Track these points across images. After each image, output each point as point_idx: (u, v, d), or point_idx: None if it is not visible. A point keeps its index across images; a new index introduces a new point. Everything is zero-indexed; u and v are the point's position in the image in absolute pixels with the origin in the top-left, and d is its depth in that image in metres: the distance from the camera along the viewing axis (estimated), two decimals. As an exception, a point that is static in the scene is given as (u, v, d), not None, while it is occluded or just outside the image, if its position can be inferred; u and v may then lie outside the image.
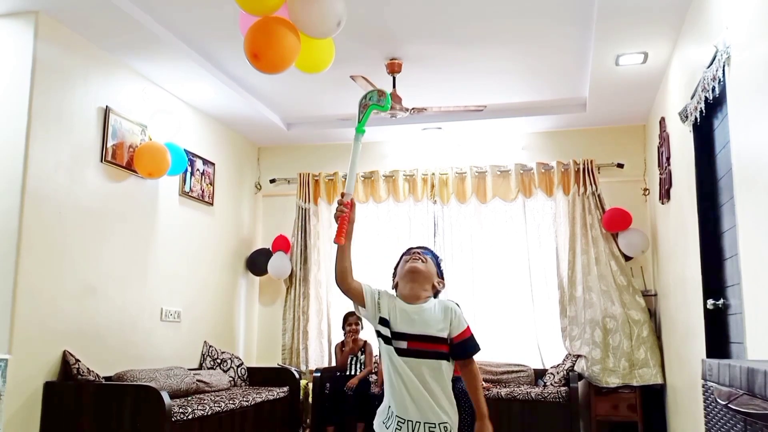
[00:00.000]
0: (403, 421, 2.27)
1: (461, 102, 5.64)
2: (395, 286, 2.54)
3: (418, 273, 2.45)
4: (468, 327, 2.41)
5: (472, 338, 2.41)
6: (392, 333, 2.34)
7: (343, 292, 2.41)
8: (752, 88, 2.62)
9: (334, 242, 2.37)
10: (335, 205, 7.15)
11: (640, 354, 5.42)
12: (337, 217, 2.38)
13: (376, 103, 2.51)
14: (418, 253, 2.51)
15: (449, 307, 2.42)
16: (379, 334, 2.38)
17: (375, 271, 6.33)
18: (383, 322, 2.37)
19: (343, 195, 2.39)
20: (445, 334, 2.34)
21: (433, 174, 6.36)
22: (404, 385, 2.28)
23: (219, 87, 5.21)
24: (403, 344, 2.31)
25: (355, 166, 2.44)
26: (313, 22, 3.10)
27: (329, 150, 6.70)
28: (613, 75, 4.84)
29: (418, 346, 2.31)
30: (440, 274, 2.54)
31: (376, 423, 2.37)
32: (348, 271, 2.39)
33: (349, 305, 6.15)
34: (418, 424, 2.26)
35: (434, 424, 2.26)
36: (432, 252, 2.58)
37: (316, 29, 3.13)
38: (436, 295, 2.51)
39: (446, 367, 2.34)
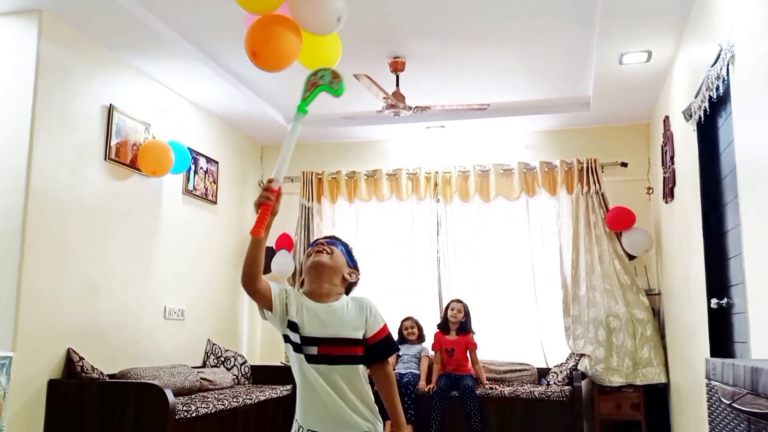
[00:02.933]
0: None
1: (464, 100, 5.63)
2: (302, 284, 2.30)
3: (323, 267, 2.20)
4: (385, 325, 2.19)
5: (389, 338, 2.19)
6: (302, 338, 2.09)
7: (249, 294, 2.11)
8: (756, 87, 2.61)
9: (251, 234, 2.06)
10: (339, 204, 7.21)
11: (643, 353, 5.42)
12: (258, 205, 2.07)
13: (328, 85, 2.20)
14: (323, 244, 2.25)
15: (364, 304, 2.19)
16: (287, 339, 2.13)
17: (377, 271, 6.36)
18: (292, 326, 2.11)
19: (270, 181, 2.09)
20: (360, 335, 2.12)
21: (437, 172, 6.35)
22: (317, 396, 2.06)
23: (222, 85, 5.21)
24: (314, 350, 2.08)
25: (290, 150, 2.14)
26: (313, 18, 3.10)
27: (333, 148, 6.70)
28: (617, 74, 4.83)
29: (331, 351, 2.08)
30: (352, 264, 2.28)
31: None
32: (259, 271, 2.10)
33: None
34: None
35: None
36: (341, 241, 2.33)
37: (317, 25, 3.13)
38: (349, 289, 2.28)
39: (363, 371, 2.13)
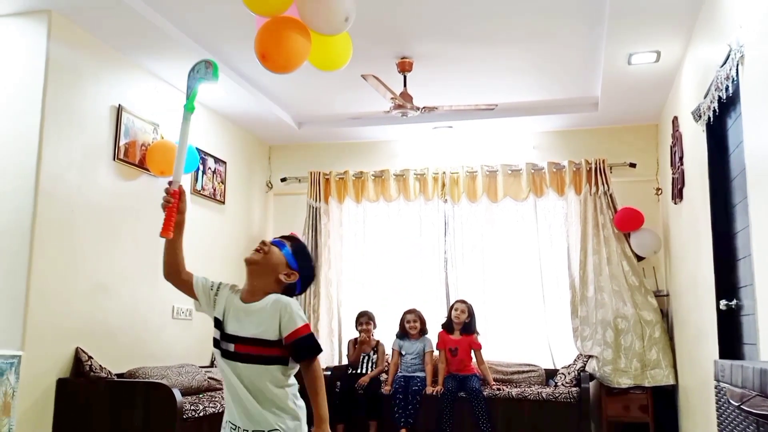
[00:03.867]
0: (234, 427, 2.12)
1: (472, 101, 5.62)
2: None
3: (254, 264, 2.21)
4: (304, 326, 2.14)
5: (307, 338, 2.13)
6: (222, 335, 2.15)
7: (175, 286, 2.24)
8: (766, 87, 2.60)
9: (160, 236, 2.15)
10: (347, 204, 7.22)
11: (651, 355, 5.40)
12: (164, 208, 2.16)
13: (203, 76, 2.28)
14: (264, 243, 2.25)
15: (281, 304, 2.14)
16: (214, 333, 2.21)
17: (384, 272, 6.37)
18: (216, 322, 2.18)
19: (170, 183, 2.17)
20: (275, 336, 2.11)
21: (444, 173, 6.35)
22: (234, 391, 2.11)
23: (230, 86, 5.23)
24: (231, 347, 2.12)
25: (184, 150, 2.23)
26: (320, 19, 3.10)
27: (340, 149, 6.71)
28: (626, 74, 4.81)
29: (246, 350, 2.11)
30: (294, 267, 2.24)
31: None
32: (178, 265, 2.22)
33: (361, 304, 6.21)
34: None
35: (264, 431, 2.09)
36: (293, 242, 2.31)
37: (325, 26, 3.14)
38: (287, 290, 2.24)
39: (279, 372, 2.14)
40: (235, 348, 2.12)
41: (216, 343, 2.17)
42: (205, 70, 2.26)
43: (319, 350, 2.20)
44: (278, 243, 2.28)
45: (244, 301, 2.19)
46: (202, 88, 2.30)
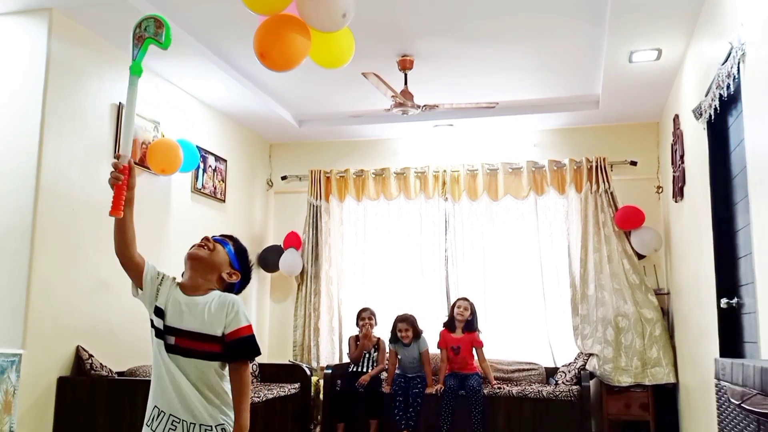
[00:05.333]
0: (178, 421, 2.07)
1: (473, 99, 5.62)
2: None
3: (199, 260, 2.23)
4: (247, 326, 2.13)
5: (248, 339, 2.12)
6: (164, 326, 2.13)
7: (122, 265, 2.20)
8: (767, 85, 2.59)
9: (110, 215, 2.09)
10: (347, 202, 7.22)
11: (652, 353, 5.39)
12: (112, 185, 2.08)
13: (153, 36, 2.11)
14: (208, 239, 2.28)
15: (228, 302, 2.14)
16: (152, 323, 2.17)
17: (385, 270, 6.37)
18: (158, 312, 2.16)
19: (118, 158, 2.07)
20: (218, 332, 2.10)
21: (445, 171, 6.35)
22: (170, 383, 2.08)
23: (231, 84, 5.22)
24: (172, 340, 2.10)
25: (132, 119, 2.10)
26: (319, 15, 3.09)
27: (341, 147, 6.71)
28: (627, 72, 4.81)
29: (187, 344, 2.09)
30: (236, 267, 2.27)
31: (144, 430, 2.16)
32: (129, 243, 2.17)
33: (361, 303, 6.20)
34: (192, 426, 2.07)
35: (210, 426, 2.08)
36: (234, 242, 2.34)
37: (323, 23, 3.13)
38: (227, 288, 2.25)
39: (219, 368, 2.12)
40: (176, 341, 2.10)
41: (158, 334, 2.14)
42: (155, 29, 2.10)
43: (257, 354, 2.19)
44: (221, 241, 2.29)
45: (186, 294, 2.17)
46: (152, 50, 2.08)
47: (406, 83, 4.95)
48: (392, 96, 4.84)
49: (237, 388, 2.11)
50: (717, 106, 3.37)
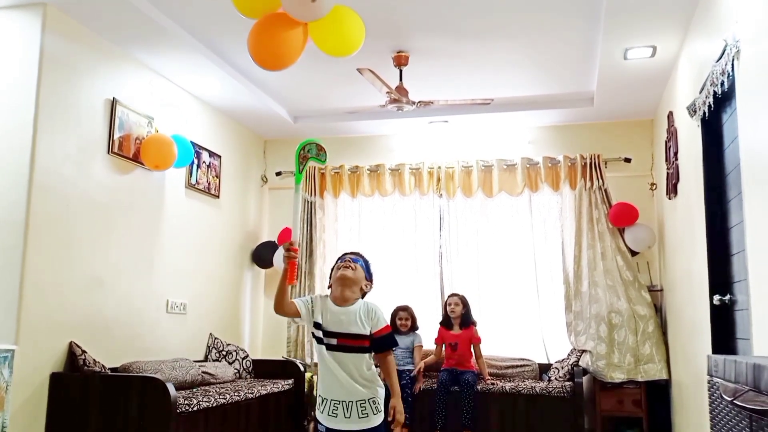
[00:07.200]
0: (338, 402, 2.78)
1: (468, 95, 5.62)
2: (330, 287, 2.96)
3: (347, 279, 2.89)
4: (387, 325, 2.90)
5: (390, 335, 2.91)
6: (324, 333, 2.82)
7: (281, 315, 2.88)
8: (762, 83, 2.60)
9: (288, 284, 2.81)
10: (342, 198, 7.21)
11: (645, 349, 5.41)
12: (286, 262, 2.78)
13: (315, 156, 2.98)
14: (350, 261, 2.94)
15: (371, 308, 2.89)
16: (313, 334, 2.86)
17: (380, 266, 6.36)
18: (317, 325, 2.84)
19: (291, 243, 2.81)
20: (367, 332, 2.83)
21: (440, 168, 6.35)
22: (334, 374, 2.78)
23: (226, 79, 5.21)
24: (334, 341, 2.81)
25: (297, 216, 2.91)
26: (294, 5, 3.03)
27: (336, 143, 6.69)
28: (621, 69, 4.82)
29: (346, 342, 2.81)
30: (369, 278, 2.98)
31: (317, 415, 2.85)
32: (286, 300, 2.84)
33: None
34: (350, 403, 2.78)
35: (364, 400, 2.79)
36: (363, 259, 3.02)
37: (301, 12, 3.06)
38: (364, 295, 2.96)
39: (369, 357, 2.85)
40: (338, 341, 2.81)
41: (319, 341, 2.83)
42: (317, 151, 2.98)
43: (396, 345, 2.98)
44: (355, 260, 2.97)
45: (338, 305, 2.86)
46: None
47: (401, 79, 4.95)
48: (387, 92, 4.83)
49: (386, 369, 2.90)
50: (711, 103, 3.38)
